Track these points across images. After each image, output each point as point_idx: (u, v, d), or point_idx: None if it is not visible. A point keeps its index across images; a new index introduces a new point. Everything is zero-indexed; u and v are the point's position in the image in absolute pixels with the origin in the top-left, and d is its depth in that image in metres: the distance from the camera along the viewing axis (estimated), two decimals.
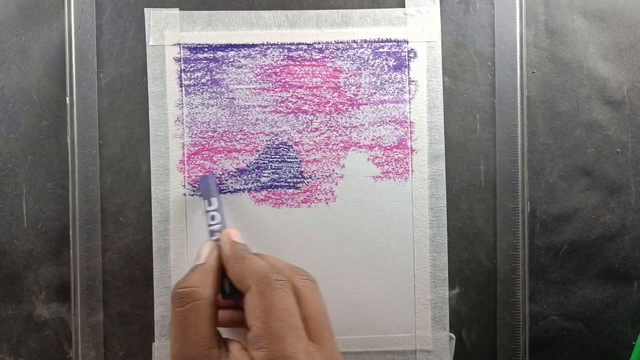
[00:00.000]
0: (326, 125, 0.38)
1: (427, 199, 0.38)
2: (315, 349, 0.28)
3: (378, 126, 0.38)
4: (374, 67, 0.38)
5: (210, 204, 0.35)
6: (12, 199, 0.38)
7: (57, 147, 0.38)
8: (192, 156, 0.38)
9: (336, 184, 0.38)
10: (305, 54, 0.38)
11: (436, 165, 0.38)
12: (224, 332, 0.32)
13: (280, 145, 0.38)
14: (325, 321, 0.30)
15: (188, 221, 0.38)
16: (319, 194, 0.38)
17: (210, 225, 0.35)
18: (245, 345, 0.29)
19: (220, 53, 0.38)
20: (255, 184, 0.38)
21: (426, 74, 0.38)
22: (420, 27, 0.39)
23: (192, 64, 0.38)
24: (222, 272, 0.32)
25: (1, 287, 0.38)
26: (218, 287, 0.31)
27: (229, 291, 0.32)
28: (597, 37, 0.39)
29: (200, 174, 0.38)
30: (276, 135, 0.38)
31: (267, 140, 0.38)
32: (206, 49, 0.38)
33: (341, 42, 0.38)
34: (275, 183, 0.38)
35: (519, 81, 0.39)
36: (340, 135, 0.38)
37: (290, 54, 0.38)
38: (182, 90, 0.38)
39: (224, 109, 0.38)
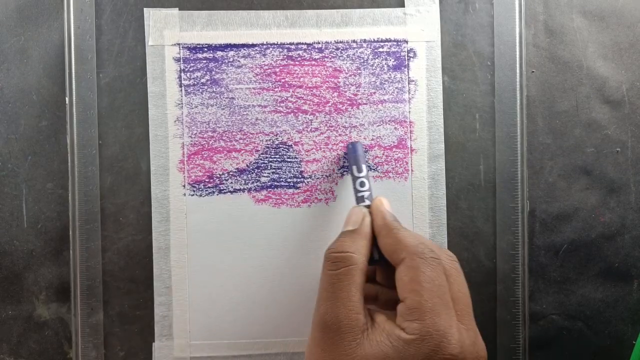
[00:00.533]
0: (326, 125, 0.38)
1: (426, 198, 0.38)
2: (463, 328, 0.28)
3: (378, 126, 0.38)
4: (373, 67, 0.38)
5: (360, 170, 0.35)
6: (12, 199, 0.38)
7: (56, 147, 0.38)
8: (192, 156, 0.38)
9: (336, 184, 0.38)
10: (304, 53, 0.38)
11: (436, 165, 0.38)
12: None
13: (280, 145, 0.38)
14: (470, 303, 0.30)
15: (188, 221, 0.38)
16: (319, 194, 0.38)
17: (359, 191, 0.35)
18: (390, 317, 0.29)
19: (219, 53, 0.38)
20: (255, 184, 0.38)
21: (426, 74, 0.38)
22: (420, 27, 0.39)
23: (192, 64, 0.38)
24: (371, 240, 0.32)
25: (1, 287, 0.38)
26: (369, 255, 0.32)
27: (377, 259, 0.32)
28: (596, 36, 0.39)
29: (200, 174, 0.38)
30: (276, 135, 0.38)
31: (267, 140, 0.38)
32: (206, 49, 0.38)
33: (341, 42, 0.38)
34: (275, 183, 0.38)
35: (518, 81, 0.39)
36: (340, 135, 0.38)
37: (290, 54, 0.38)
38: (181, 90, 0.38)
39: (223, 109, 0.38)
